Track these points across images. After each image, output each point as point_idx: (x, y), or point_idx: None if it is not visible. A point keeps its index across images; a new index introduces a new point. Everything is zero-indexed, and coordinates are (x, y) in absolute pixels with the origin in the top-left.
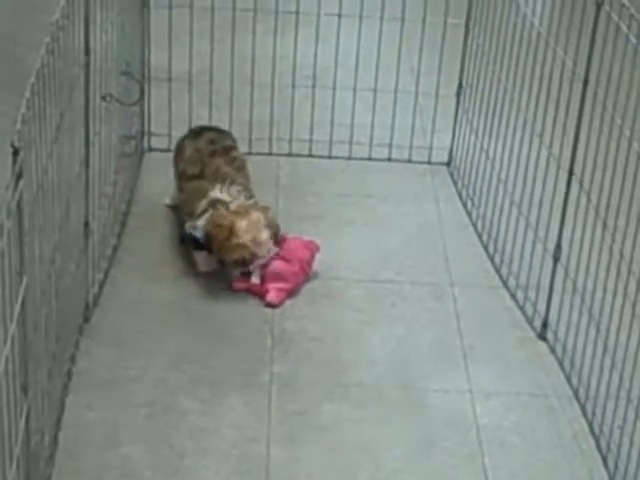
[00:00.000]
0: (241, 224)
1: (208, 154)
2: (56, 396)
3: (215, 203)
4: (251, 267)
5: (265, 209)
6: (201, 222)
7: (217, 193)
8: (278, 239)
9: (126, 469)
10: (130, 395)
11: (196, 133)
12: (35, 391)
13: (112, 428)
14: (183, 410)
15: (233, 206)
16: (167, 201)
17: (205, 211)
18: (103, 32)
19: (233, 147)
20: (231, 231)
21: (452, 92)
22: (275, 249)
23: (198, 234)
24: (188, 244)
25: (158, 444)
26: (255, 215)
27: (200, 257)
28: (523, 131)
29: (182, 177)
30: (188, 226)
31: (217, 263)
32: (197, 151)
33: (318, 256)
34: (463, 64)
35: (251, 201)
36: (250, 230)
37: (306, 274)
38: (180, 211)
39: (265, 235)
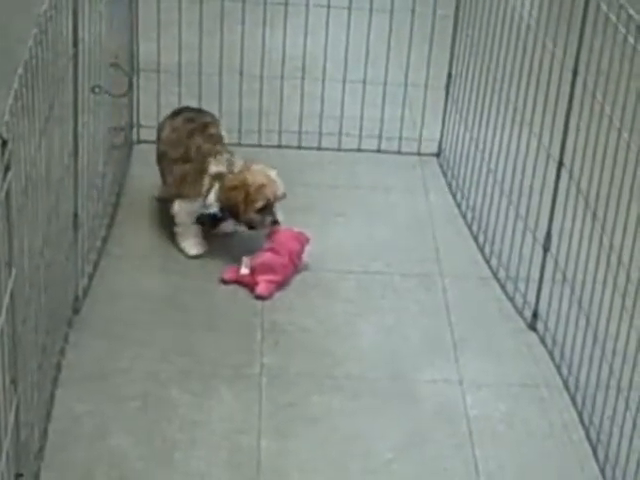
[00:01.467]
0: (250, 175)
1: (186, 135)
2: (46, 389)
3: (217, 176)
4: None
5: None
6: (212, 197)
7: (214, 167)
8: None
9: (116, 461)
10: (120, 387)
11: (175, 113)
12: (25, 384)
13: (102, 420)
14: (173, 402)
15: (235, 169)
16: (155, 194)
17: (211, 187)
18: (92, 23)
19: (210, 123)
20: (246, 185)
21: (441, 83)
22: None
23: (214, 209)
24: (206, 223)
25: (148, 436)
26: (257, 166)
27: (189, 241)
28: (513, 122)
29: (164, 159)
30: (198, 208)
31: (245, 226)
32: (175, 131)
33: (308, 248)
34: (452, 55)
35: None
36: (260, 174)
37: (296, 266)
38: (171, 192)
39: (273, 172)
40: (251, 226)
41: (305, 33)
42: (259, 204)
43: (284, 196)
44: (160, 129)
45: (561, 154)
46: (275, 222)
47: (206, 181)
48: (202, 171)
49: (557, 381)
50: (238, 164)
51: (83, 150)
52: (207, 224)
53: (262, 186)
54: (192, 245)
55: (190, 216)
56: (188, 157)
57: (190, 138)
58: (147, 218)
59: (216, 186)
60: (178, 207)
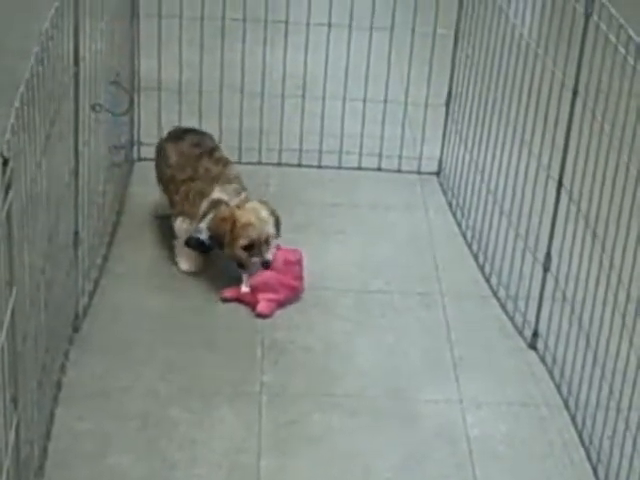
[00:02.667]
0: (241, 211)
1: (194, 158)
2: (46, 407)
3: (216, 203)
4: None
5: (263, 201)
6: (204, 224)
7: (217, 194)
8: (279, 227)
9: None
10: (120, 406)
11: (177, 137)
12: (25, 402)
13: (102, 439)
14: (173, 421)
15: (232, 203)
16: (154, 212)
17: (207, 213)
18: (93, 41)
19: (215, 148)
20: (234, 219)
21: (441, 102)
22: (277, 241)
23: (203, 236)
24: (194, 247)
25: (148, 455)
26: (252, 203)
27: (183, 257)
28: (512, 141)
29: (171, 182)
30: (192, 230)
31: (237, 266)
32: (182, 155)
33: (308, 265)
34: (452, 74)
35: (244, 196)
36: (251, 212)
37: (297, 289)
38: (173, 210)
39: (265, 214)
40: (240, 264)
41: (305, 51)
42: (243, 242)
43: (275, 237)
44: (163, 152)
45: (561, 174)
46: (265, 263)
47: (204, 205)
48: (204, 194)
49: (557, 400)
50: (238, 198)
51: (83, 168)
52: (194, 248)
53: (248, 225)
54: (185, 261)
55: (187, 234)
56: (195, 177)
57: (198, 161)
58: (147, 236)
59: (212, 213)
60: (179, 223)
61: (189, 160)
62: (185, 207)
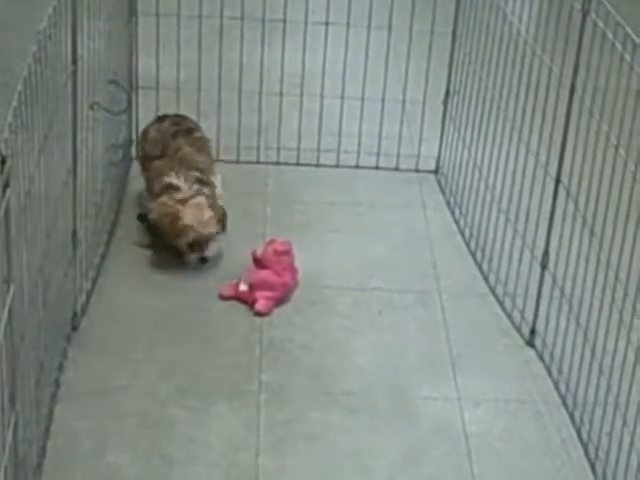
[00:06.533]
0: (184, 209)
1: (171, 135)
2: (44, 405)
3: (167, 187)
4: (242, 278)
5: (209, 196)
6: (153, 205)
7: (172, 178)
8: (224, 222)
9: (114, 479)
10: (119, 404)
11: (160, 118)
12: (23, 400)
13: (101, 437)
14: (172, 419)
15: (178, 195)
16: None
17: (159, 194)
18: (90, 40)
19: (195, 128)
20: (175, 217)
21: (439, 100)
22: (222, 235)
23: (151, 216)
24: (144, 223)
25: (147, 453)
26: (197, 200)
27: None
28: (510, 139)
29: (146, 159)
30: (144, 206)
31: (172, 254)
32: (160, 131)
33: (306, 264)
34: (450, 72)
35: (196, 188)
36: (193, 212)
37: (295, 280)
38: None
39: (208, 215)
40: (179, 254)
41: (304, 50)
42: (184, 240)
43: (216, 235)
44: (145, 133)
45: (559, 171)
46: (203, 260)
47: (157, 186)
48: (162, 174)
49: (555, 397)
50: (184, 192)
51: (82, 167)
52: (144, 223)
53: (189, 227)
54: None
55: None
56: (163, 155)
57: (173, 139)
58: (145, 235)
59: (162, 197)
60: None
61: (164, 137)
62: (148, 184)
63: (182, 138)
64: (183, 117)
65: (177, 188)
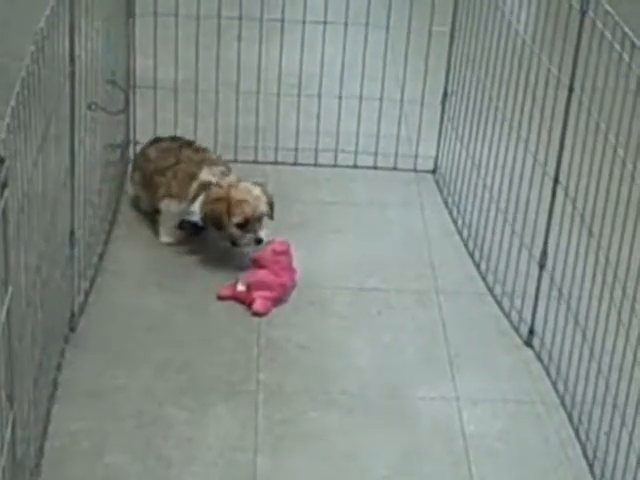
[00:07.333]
0: (235, 191)
1: (175, 149)
2: (42, 406)
3: (206, 185)
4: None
5: (257, 182)
6: (196, 206)
7: (205, 175)
8: (273, 208)
9: (113, 479)
10: (116, 405)
11: (154, 140)
12: (21, 401)
13: (98, 438)
14: (170, 419)
15: (224, 183)
16: (130, 192)
17: (197, 194)
18: (88, 40)
19: (192, 142)
20: (229, 199)
21: (437, 100)
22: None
23: (195, 218)
24: (187, 230)
25: (145, 453)
26: (245, 183)
27: (164, 230)
28: (508, 138)
29: (156, 173)
30: (183, 212)
31: (228, 242)
32: (162, 150)
33: (304, 264)
34: (448, 72)
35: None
36: (245, 191)
37: (290, 282)
38: (157, 196)
39: (259, 192)
40: (233, 242)
41: (301, 49)
42: (237, 219)
43: (268, 214)
44: (143, 156)
45: (557, 171)
46: (258, 241)
47: (194, 186)
48: (192, 176)
49: (553, 397)
50: (229, 178)
51: (79, 167)
52: (188, 231)
53: (242, 202)
54: (165, 234)
55: (174, 216)
56: (180, 161)
57: (179, 151)
58: (143, 235)
59: (202, 195)
60: (166, 203)
61: (171, 151)
62: (173, 188)
63: (187, 149)
64: (178, 137)
65: (214, 184)
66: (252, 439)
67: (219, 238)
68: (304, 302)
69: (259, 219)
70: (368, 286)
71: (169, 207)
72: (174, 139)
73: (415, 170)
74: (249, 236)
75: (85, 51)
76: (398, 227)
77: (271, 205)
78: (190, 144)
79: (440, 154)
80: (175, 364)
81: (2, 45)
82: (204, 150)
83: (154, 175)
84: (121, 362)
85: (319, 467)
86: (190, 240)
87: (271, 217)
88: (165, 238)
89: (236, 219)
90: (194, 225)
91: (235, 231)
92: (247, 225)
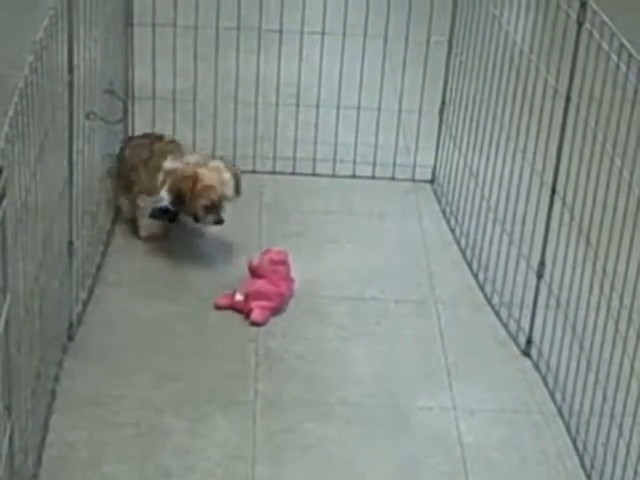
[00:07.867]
0: (203, 170)
1: (147, 145)
2: (40, 415)
3: (170, 173)
4: (237, 291)
5: (225, 160)
6: (163, 192)
7: (170, 164)
8: (239, 186)
9: None
10: (115, 414)
11: (129, 139)
12: (19, 410)
13: (97, 447)
14: (168, 429)
15: (192, 161)
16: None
17: (164, 182)
18: (87, 50)
19: (163, 136)
20: (196, 178)
21: (435, 109)
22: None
23: (165, 203)
24: (159, 217)
25: (143, 463)
26: (214, 162)
27: (142, 225)
28: (506, 148)
29: (132, 170)
30: (153, 201)
31: (192, 219)
32: (135, 147)
33: (302, 274)
34: (446, 81)
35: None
36: (213, 172)
37: (291, 289)
38: (135, 194)
39: (227, 175)
40: (196, 220)
41: (299, 60)
42: (204, 201)
43: (234, 197)
44: (121, 156)
45: (554, 180)
46: (219, 221)
47: (160, 177)
48: (158, 167)
49: (551, 407)
50: (194, 157)
51: (78, 177)
52: (159, 217)
53: (210, 187)
54: (144, 228)
55: (149, 207)
56: (152, 156)
57: (151, 145)
58: (141, 245)
59: (168, 181)
60: (140, 200)
61: (143, 147)
62: (145, 183)
63: (158, 143)
64: (150, 133)
65: (180, 169)
66: (250, 449)
67: (183, 213)
68: (302, 312)
69: (222, 203)
70: (366, 296)
71: (144, 202)
72: (146, 136)
73: (413, 180)
74: (212, 216)
75: (83, 61)
76: (396, 237)
77: (238, 184)
78: (161, 137)
79: (438, 164)
80: (173, 374)
81: (1, 55)
82: (175, 142)
83: (130, 172)
84: (119, 372)
85: (317, 477)
86: (168, 228)
87: (238, 193)
88: (143, 232)
89: (203, 201)
90: (166, 211)
91: (200, 211)
92: (212, 207)
